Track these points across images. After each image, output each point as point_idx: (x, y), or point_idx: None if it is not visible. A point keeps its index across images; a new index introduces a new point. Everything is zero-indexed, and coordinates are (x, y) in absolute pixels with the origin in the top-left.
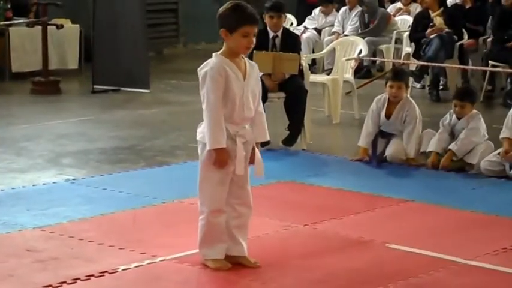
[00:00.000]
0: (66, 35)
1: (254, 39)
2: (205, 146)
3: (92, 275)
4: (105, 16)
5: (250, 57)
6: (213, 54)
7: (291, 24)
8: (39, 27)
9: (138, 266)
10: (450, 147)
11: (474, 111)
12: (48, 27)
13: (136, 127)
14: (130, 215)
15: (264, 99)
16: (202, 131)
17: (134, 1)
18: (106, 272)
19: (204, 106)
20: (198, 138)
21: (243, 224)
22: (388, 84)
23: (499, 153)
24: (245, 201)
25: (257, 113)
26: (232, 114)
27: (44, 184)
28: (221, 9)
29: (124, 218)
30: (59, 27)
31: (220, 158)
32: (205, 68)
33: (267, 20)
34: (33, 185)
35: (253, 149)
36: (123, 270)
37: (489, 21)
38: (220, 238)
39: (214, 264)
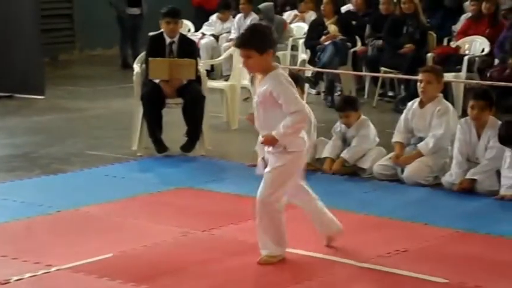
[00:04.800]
0: None
1: (247, 61)
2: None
3: None
4: None
5: (147, 63)
6: None
7: (189, 30)
8: None
9: (32, 276)
10: (342, 155)
11: (362, 117)
12: None
13: (31, 134)
14: (24, 224)
15: (162, 105)
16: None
17: (26, 6)
18: None
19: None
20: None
21: None
22: None
23: (391, 158)
24: None
25: None
26: None
27: None
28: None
29: (17, 228)
30: None
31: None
32: None
33: (163, 25)
34: None
35: None
36: (16, 280)
37: (366, 29)
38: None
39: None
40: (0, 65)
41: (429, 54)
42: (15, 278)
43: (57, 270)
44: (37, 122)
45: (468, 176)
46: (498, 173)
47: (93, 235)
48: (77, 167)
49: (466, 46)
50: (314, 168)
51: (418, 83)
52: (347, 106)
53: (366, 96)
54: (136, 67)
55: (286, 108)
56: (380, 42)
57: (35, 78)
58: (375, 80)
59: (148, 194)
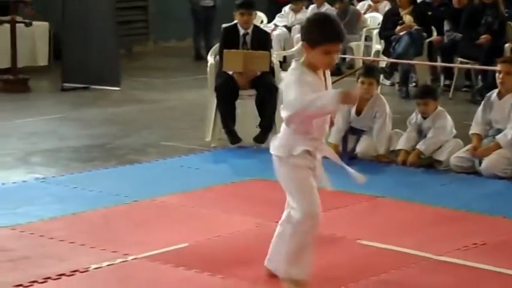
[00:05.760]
0: (36, 32)
1: (336, 56)
2: (281, 160)
3: (63, 274)
4: (75, 13)
5: (221, 55)
6: (293, 61)
7: (262, 21)
8: (8, 25)
9: (110, 264)
10: (418, 146)
11: (439, 108)
12: (17, 24)
13: (107, 125)
14: (102, 214)
15: (235, 97)
16: (280, 145)
17: None
18: (77, 270)
19: (285, 113)
20: (273, 152)
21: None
22: (359, 81)
23: (468, 150)
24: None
25: None
26: (311, 129)
27: (13, 183)
28: (306, 19)
29: (95, 217)
30: (28, 24)
31: (346, 95)
32: (288, 77)
33: (237, 17)
34: (3, 184)
35: None
36: (95, 269)
37: (445, 23)
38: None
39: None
40: (78, 57)
41: (507, 45)
42: (94, 266)
43: (134, 259)
44: (113, 113)
45: None
46: None
47: (169, 225)
48: (152, 157)
49: None
50: (389, 160)
51: (497, 74)
52: (426, 94)
53: (441, 86)
54: (211, 59)
55: None
56: (459, 35)
57: (111, 70)
58: (448, 70)
59: (222, 185)
